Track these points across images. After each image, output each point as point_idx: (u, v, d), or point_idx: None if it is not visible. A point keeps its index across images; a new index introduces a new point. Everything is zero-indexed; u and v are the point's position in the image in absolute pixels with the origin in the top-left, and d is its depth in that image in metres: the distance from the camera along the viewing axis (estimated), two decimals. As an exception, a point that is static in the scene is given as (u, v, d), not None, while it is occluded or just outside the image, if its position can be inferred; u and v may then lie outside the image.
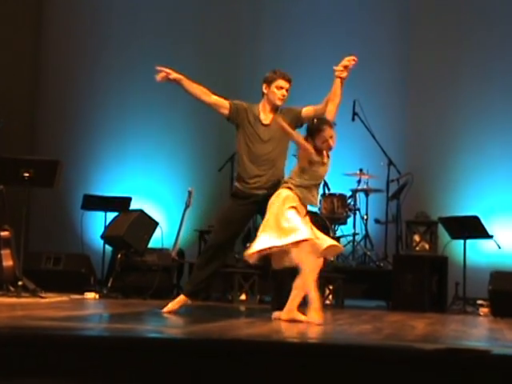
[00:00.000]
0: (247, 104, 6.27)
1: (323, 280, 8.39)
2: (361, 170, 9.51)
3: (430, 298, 8.62)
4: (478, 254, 9.53)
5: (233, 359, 3.79)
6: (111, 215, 9.46)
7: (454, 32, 10.30)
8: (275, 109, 6.16)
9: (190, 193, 9.14)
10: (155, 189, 10.63)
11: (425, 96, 10.23)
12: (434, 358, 3.71)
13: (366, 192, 9.59)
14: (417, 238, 8.97)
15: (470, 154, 10.02)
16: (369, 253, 9.38)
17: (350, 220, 9.45)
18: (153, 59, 10.60)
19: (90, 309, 6.86)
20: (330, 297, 8.48)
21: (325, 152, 5.72)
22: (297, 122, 6.12)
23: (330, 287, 8.47)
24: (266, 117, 6.17)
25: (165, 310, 6.23)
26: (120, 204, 9.48)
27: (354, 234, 9.44)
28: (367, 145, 9.60)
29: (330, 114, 5.84)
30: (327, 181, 9.38)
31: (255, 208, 6.16)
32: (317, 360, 3.79)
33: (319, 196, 6.11)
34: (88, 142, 10.95)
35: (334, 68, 5.88)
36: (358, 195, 9.53)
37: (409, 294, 8.48)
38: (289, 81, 6.13)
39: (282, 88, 6.09)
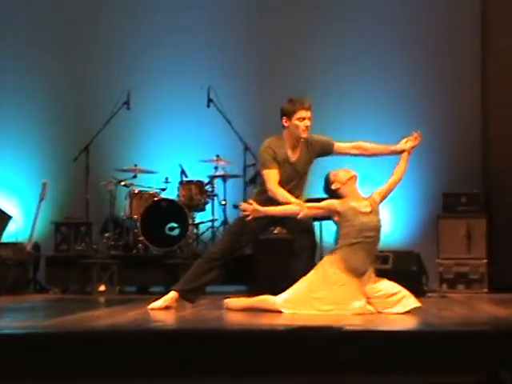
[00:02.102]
0: (271, 145, 5.89)
1: (183, 267, 8.39)
2: (218, 156, 9.54)
3: (289, 280, 8.74)
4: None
5: (93, 349, 3.77)
6: (-38, 211, 9.14)
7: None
8: (301, 141, 5.87)
9: (44, 185, 8.93)
10: (8, 180, 10.31)
11: (277, 79, 10.30)
12: (285, 338, 3.82)
13: (224, 178, 9.63)
14: (274, 221, 9.08)
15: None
16: (228, 238, 9.42)
17: (208, 206, 9.48)
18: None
19: None
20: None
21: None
22: (324, 153, 5.97)
23: (191, 274, 8.46)
24: (293, 154, 5.88)
25: (152, 306, 5.83)
26: (-29, 198, 9.18)
27: (213, 220, 9.47)
28: (223, 131, 9.64)
29: (393, 185, 5.86)
30: (184, 168, 9.39)
31: (271, 220, 5.98)
32: (174, 346, 3.81)
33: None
34: None
35: (406, 144, 5.88)
36: (215, 181, 9.56)
37: (268, 276, 8.59)
38: (309, 108, 5.82)
39: (303, 119, 5.78)
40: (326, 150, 6.00)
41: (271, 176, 5.77)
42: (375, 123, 10.07)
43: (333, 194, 5.62)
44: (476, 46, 10.02)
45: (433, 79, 10.09)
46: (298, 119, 5.77)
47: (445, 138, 9.97)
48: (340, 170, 5.70)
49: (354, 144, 6.03)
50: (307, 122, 5.78)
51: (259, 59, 10.41)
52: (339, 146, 6.05)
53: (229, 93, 9.86)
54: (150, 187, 9.37)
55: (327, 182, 5.69)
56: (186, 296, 5.88)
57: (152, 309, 5.76)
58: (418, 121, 10.08)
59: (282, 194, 5.71)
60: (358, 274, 5.39)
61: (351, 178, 5.66)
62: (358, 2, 10.23)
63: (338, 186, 5.61)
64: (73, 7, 10.45)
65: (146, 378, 3.74)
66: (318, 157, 6.02)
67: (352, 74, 10.21)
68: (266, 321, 4.85)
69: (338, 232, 5.54)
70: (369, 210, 5.53)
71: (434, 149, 10.00)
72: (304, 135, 5.81)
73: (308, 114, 5.80)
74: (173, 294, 5.89)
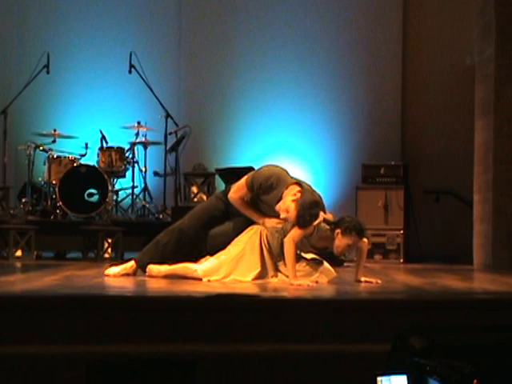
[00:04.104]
0: (275, 176, 5.60)
1: (102, 234, 8.35)
2: (139, 123, 9.46)
3: (210, 248, 8.76)
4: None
5: (9, 314, 3.73)
6: None
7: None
8: None
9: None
10: None
11: (199, 47, 10.30)
12: (204, 305, 3.85)
13: (145, 145, 9.57)
14: (195, 189, 9.09)
15: (246, 105, 10.24)
16: (148, 205, 9.40)
17: (128, 173, 9.41)
18: None
19: None
20: (110, 250, 8.43)
21: None
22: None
23: (109, 240, 8.41)
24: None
25: (108, 272, 5.71)
26: None
27: (133, 187, 9.41)
28: (145, 97, 9.58)
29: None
30: (105, 134, 9.29)
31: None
32: (92, 312, 3.80)
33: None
34: None
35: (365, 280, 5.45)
36: (136, 148, 9.48)
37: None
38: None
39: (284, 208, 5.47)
40: None
41: (241, 191, 5.65)
42: (299, 92, 10.18)
43: (332, 227, 5.34)
44: (397, 29, 10.23)
45: (357, 55, 10.22)
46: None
47: (367, 111, 10.13)
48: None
49: None
50: (282, 213, 5.47)
51: (182, 26, 10.36)
52: None
53: (151, 59, 9.79)
54: (69, 152, 9.25)
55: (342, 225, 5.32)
56: (145, 268, 5.78)
57: (108, 275, 5.69)
58: (341, 95, 10.24)
59: (245, 206, 5.64)
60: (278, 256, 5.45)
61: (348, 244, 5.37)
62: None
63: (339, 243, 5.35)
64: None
65: (61, 343, 3.71)
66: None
67: (274, 48, 10.28)
68: (185, 288, 4.86)
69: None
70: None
71: (356, 121, 10.15)
72: (276, 207, 5.51)
73: (292, 212, 5.39)
74: (132, 264, 5.82)
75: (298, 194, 5.45)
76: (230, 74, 10.27)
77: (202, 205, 6.15)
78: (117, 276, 5.70)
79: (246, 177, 5.71)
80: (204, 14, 10.32)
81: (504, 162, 7.55)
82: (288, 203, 5.43)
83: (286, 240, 5.29)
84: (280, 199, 5.53)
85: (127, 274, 5.75)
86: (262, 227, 5.53)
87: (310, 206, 5.33)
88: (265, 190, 5.60)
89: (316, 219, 5.30)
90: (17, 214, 8.77)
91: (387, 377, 2.95)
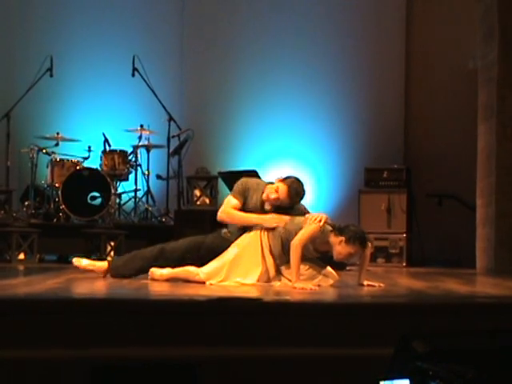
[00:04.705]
0: (249, 184, 5.76)
1: (105, 237, 8.36)
2: (142, 126, 9.47)
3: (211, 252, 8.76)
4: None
5: (12, 318, 3.73)
6: None
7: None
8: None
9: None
10: None
11: (202, 51, 10.31)
12: (206, 308, 3.86)
13: (147, 148, 9.58)
14: (197, 192, 9.09)
15: (248, 109, 10.24)
16: (151, 208, 9.40)
17: (131, 176, 9.42)
18: None
19: None
20: (112, 253, 8.43)
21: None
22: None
23: (112, 243, 8.41)
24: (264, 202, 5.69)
25: (76, 261, 5.84)
26: None
27: (136, 190, 9.42)
28: (148, 100, 9.58)
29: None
30: (108, 137, 9.30)
31: None
32: (94, 315, 3.80)
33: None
34: None
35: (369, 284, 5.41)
36: (139, 151, 9.50)
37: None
38: (288, 194, 5.56)
39: (275, 192, 5.58)
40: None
41: (231, 203, 5.70)
42: (302, 96, 10.18)
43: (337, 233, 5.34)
44: (400, 34, 10.24)
45: (360, 59, 10.22)
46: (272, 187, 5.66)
47: (370, 115, 10.13)
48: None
49: None
50: (274, 193, 5.59)
51: (185, 29, 10.37)
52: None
53: (154, 62, 9.79)
54: (72, 155, 9.26)
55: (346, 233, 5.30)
56: (114, 273, 5.81)
57: (74, 263, 5.82)
58: (344, 99, 10.23)
59: (239, 214, 5.67)
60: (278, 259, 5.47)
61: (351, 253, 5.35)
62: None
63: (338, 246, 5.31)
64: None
65: (63, 347, 3.71)
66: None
67: (277, 53, 10.29)
68: (187, 291, 4.85)
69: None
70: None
71: (358, 125, 10.15)
72: (263, 197, 5.64)
73: (281, 187, 5.58)
74: (103, 263, 5.87)
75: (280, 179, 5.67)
76: (232, 77, 10.27)
77: (195, 236, 6.06)
78: (82, 268, 5.79)
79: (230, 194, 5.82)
80: (207, 18, 10.33)
81: (507, 166, 7.54)
82: (275, 184, 5.61)
83: (292, 243, 5.29)
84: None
85: (91, 271, 5.80)
86: (260, 233, 5.54)
87: (295, 180, 5.62)
88: (248, 193, 5.70)
89: (304, 192, 5.62)
90: (20, 217, 8.78)
91: (390, 381, 2.95)
